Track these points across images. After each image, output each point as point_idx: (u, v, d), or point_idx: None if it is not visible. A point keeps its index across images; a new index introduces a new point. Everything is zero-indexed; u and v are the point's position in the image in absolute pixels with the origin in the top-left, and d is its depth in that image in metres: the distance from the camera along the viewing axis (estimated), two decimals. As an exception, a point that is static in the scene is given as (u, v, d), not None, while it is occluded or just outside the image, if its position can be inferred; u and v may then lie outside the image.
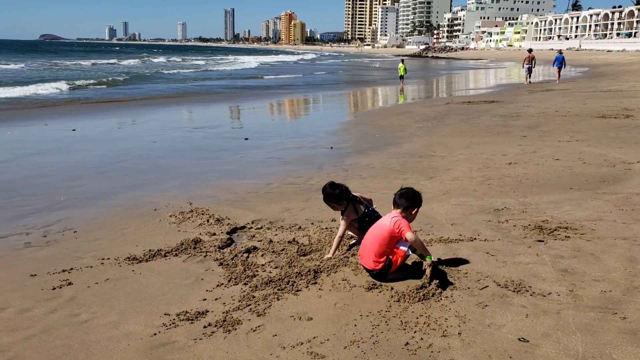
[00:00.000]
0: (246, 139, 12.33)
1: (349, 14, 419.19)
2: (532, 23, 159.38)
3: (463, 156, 9.81)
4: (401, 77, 30.13)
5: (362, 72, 54.66)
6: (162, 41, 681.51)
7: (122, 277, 4.71)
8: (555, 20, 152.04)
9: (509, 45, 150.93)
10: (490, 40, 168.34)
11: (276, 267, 4.81)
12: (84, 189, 7.91)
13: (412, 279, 4.47)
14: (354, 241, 5.31)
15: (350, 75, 47.36)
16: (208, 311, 4.01)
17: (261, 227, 6.00)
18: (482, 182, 7.84)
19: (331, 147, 11.13)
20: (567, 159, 9.23)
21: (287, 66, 63.43)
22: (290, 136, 13.10)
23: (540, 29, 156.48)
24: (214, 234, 5.76)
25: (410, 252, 4.52)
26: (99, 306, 4.14)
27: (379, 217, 4.99)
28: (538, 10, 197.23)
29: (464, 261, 4.82)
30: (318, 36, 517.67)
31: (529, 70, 30.17)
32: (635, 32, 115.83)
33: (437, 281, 4.32)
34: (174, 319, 3.89)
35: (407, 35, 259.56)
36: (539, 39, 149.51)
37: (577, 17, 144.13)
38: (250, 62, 68.58)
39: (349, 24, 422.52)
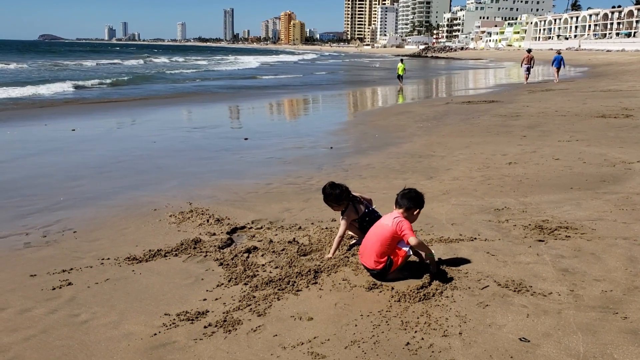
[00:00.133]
0: (246, 139, 12.32)
1: (348, 14, 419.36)
2: (531, 23, 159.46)
3: (463, 156, 9.80)
4: (400, 76, 30.11)
5: (362, 72, 54.65)
6: (161, 41, 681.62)
7: (122, 277, 4.70)
8: (555, 20, 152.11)
9: (509, 45, 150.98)
10: (490, 40, 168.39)
11: (276, 267, 4.80)
12: (83, 189, 7.90)
13: (413, 278, 4.46)
14: (354, 241, 5.30)
15: (350, 75, 47.36)
16: (208, 311, 4.00)
17: (261, 227, 5.99)
18: (482, 181, 7.83)
19: (331, 147, 11.12)
20: (567, 158, 9.23)
21: (287, 66, 63.60)
22: (290, 136, 13.09)
23: (540, 29, 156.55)
24: (214, 234, 5.75)
25: (411, 253, 4.53)
26: (99, 306, 4.14)
27: (379, 217, 4.98)
28: (537, 10, 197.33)
29: (465, 261, 4.81)
30: (317, 36, 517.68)
31: (528, 70, 30.24)
32: (635, 32, 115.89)
33: (438, 282, 4.32)
34: (174, 319, 3.88)
35: (406, 35, 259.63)
36: (539, 39, 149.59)
37: (577, 17, 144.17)
38: (252, 62, 68.81)
39: (348, 24, 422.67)
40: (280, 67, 59.39)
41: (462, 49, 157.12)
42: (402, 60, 32.17)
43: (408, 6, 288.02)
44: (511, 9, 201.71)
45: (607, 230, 5.53)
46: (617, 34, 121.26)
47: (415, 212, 4.60)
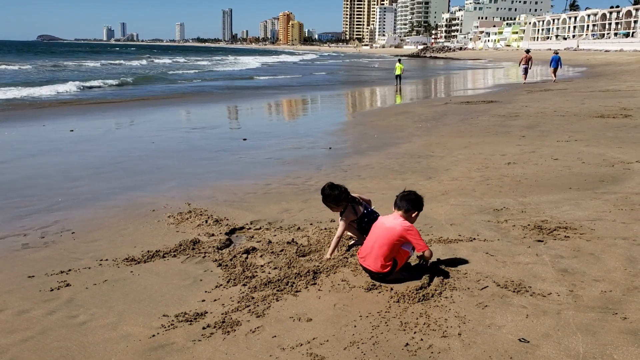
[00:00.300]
0: (245, 139, 12.31)
1: (347, 14, 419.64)
2: (530, 23, 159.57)
3: (462, 156, 9.80)
4: (398, 76, 30.09)
5: (361, 72, 54.64)
6: (160, 42, 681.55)
7: (121, 278, 4.68)
8: (553, 20, 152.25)
9: (507, 45, 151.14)
10: (488, 41, 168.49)
11: (275, 268, 4.79)
12: (82, 189, 7.88)
13: (412, 279, 4.46)
14: (353, 242, 5.30)
15: (350, 76, 47.35)
16: (207, 312, 3.99)
17: (260, 228, 5.98)
18: (481, 182, 7.83)
19: (330, 148, 11.11)
20: (566, 158, 9.23)
21: (288, 67, 64.01)
22: (289, 136, 13.08)
23: (538, 29, 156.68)
24: (213, 235, 5.74)
25: (412, 252, 4.53)
26: (97, 307, 4.12)
27: (375, 219, 4.98)
28: (536, 10, 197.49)
29: (464, 261, 4.81)
30: (316, 36, 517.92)
31: (525, 71, 30.35)
32: (633, 32, 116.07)
33: (437, 282, 4.32)
34: (172, 321, 3.87)
35: (405, 36, 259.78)
36: (537, 39, 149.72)
37: (575, 17, 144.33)
38: (253, 63, 69.48)
39: (347, 24, 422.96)
40: (281, 68, 59.73)
41: (460, 49, 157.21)
42: (399, 60, 32.18)
43: (406, 6, 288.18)
44: (509, 9, 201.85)
45: (606, 231, 5.53)
46: (616, 34, 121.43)
47: (414, 215, 4.61)
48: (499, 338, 3.53)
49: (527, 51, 31.55)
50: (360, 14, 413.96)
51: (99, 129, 14.51)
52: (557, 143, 10.82)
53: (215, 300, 4.20)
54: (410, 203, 4.58)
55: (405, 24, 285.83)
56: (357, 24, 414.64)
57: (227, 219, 6.26)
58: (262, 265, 4.86)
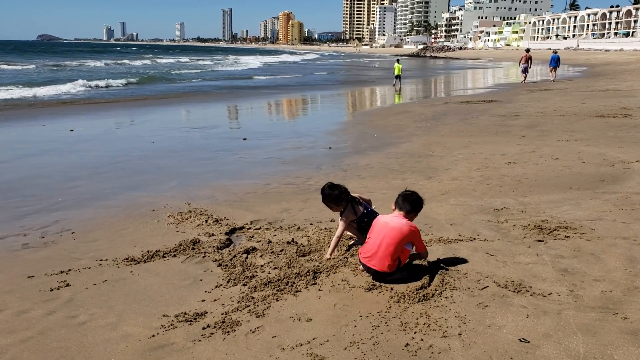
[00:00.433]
0: (245, 139, 12.31)
1: (347, 14, 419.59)
2: (530, 23, 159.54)
3: (462, 156, 9.79)
4: (397, 77, 30.09)
5: (362, 72, 54.63)
6: (160, 41, 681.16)
7: (120, 278, 4.68)
8: (553, 19, 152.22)
9: (507, 45, 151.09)
10: (488, 40, 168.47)
11: (275, 268, 4.78)
12: (82, 189, 7.88)
13: (412, 279, 4.45)
14: (352, 242, 5.29)
15: (350, 75, 47.34)
16: (207, 312, 3.99)
17: (260, 228, 5.97)
18: (481, 181, 7.82)
19: (330, 147, 11.11)
20: (566, 158, 9.23)
21: (290, 66, 64.39)
22: (289, 136, 13.08)
23: (538, 29, 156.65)
24: (213, 235, 5.73)
25: (412, 251, 4.57)
26: (97, 308, 4.12)
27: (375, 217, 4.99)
28: (536, 9, 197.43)
29: (464, 261, 4.80)
30: (316, 36, 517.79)
31: (526, 70, 30.40)
32: (633, 32, 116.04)
33: (438, 282, 4.32)
34: (172, 321, 3.87)
35: (405, 35, 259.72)
36: (537, 39, 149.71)
37: (575, 17, 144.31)
38: (255, 62, 70.02)
39: (347, 24, 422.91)
40: (283, 67, 60.06)
41: (460, 48, 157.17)
42: (398, 60, 32.23)
43: (406, 6, 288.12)
44: (509, 8, 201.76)
45: (607, 230, 5.53)
46: (616, 34, 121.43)
47: (414, 216, 4.66)
48: (500, 338, 3.53)
49: (527, 50, 31.56)
50: (360, 14, 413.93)
51: (98, 128, 14.51)
52: (557, 143, 10.82)
53: (215, 300, 4.20)
54: (412, 205, 4.62)
55: (405, 24, 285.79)
56: (357, 24, 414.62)
57: (227, 219, 6.26)
58: (262, 265, 4.86)
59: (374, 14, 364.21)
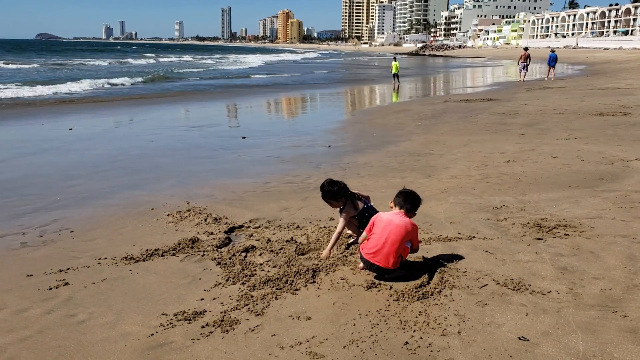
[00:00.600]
0: (244, 137, 12.30)
1: (346, 12, 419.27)
2: (529, 21, 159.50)
3: (461, 154, 9.79)
4: (395, 75, 30.08)
5: (362, 70, 54.57)
6: (159, 40, 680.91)
7: (119, 277, 4.67)
8: (552, 18, 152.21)
9: (506, 44, 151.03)
10: (488, 38, 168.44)
11: (274, 267, 4.78)
12: (80, 188, 7.87)
13: (411, 277, 4.45)
14: (352, 240, 5.28)
15: (351, 74, 47.27)
16: (206, 311, 3.98)
17: (259, 226, 5.96)
18: (481, 180, 7.82)
19: (329, 146, 11.10)
20: (565, 156, 9.22)
21: (291, 65, 64.72)
22: (288, 135, 13.07)
23: (537, 27, 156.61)
24: (212, 233, 5.73)
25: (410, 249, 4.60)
26: (96, 306, 4.11)
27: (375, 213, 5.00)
28: (535, 8, 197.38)
29: (463, 259, 4.80)
30: (315, 34, 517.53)
31: (525, 68, 30.56)
32: (632, 30, 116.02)
33: (437, 280, 4.32)
34: (171, 319, 3.86)
35: (404, 34, 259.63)
36: (536, 37, 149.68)
37: (574, 15, 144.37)
38: (256, 61, 70.48)
39: (346, 22, 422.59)
40: (284, 66, 60.42)
41: (459, 47, 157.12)
42: (395, 58, 32.26)
43: (406, 4, 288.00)
44: (509, 7, 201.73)
45: (606, 228, 5.52)
46: (615, 32, 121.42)
47: (413, 214, 4.70)
48: (499, 336, 3.52)
49: (526, 49, 31.66)
50: (360, 12, 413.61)
51: (98, 127, 14.49)
52: (556, 141, 10.81)
53: (214, 298, 4.19)
54: (413, 204, 4.66)
55: (404, 22, 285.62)
56: (356, 22, 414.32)
57: (226, 218, 6.25)
58: (261, 264, 4.85)
59: (373, 12, 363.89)
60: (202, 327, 3.75)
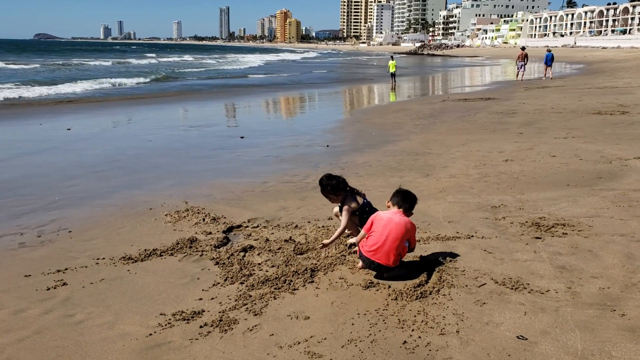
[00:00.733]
0: (242, 137, 12.29)
1: (344, 12, 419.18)
2: (527, 20, 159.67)
3: (459, 153, 9.79)
4: (393, 74, 30.08)
5: (361, 70, 54.53)
6: (157, 40, 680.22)
7: (118, 277, 4.67)
8: (550, 17, 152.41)
9: (505, 43, 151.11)
10: (486, 38, 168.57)
11: (273, 266, 4.77)
12: (78, 188, 7.86)
13: (410, 277, 4.45)
14: (351, 239, 5.27)
15: (350, 74, 47.25)
16: (204, 311, 3.98)
17: (257, 226, 5.96)
18: (479, 179, 7.82)
19: (327, 145, 11.10)
20: (563, 155, 9.23)
21: (291, 64, 65.09)
22: (287, 134, 13.06)
23: (536, 26, 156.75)
24: (210, 233, 5.72)
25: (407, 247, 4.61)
26: (94, 306, 4.10)
27: (375, 209, 5.02)
28: (533, 7, 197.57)
29: (461, 259, 4.80)
30: (313, 34, 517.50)
31: (523, 68, 30.72)
32: (630, 29, 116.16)
33: (435, 280, 4.32)
34: (169, 319, 3.85)
35: (402, 33, 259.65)
36: (534, 36, 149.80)
37: (572, 14, 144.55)
38: (256, 61, 70.94)
39: (344, 22, 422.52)
40: (284, 66, 60.68)
41: (458, 46, 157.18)
42: (392, 57, 32.30)
43: (404, 4, 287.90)
44: (507, 6, 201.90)
45: (604, 227, 5.53)
46: (613, 31, 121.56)
47: (410, 214, 4.72)
48: (497, 335, 3.52)
49: (523, 48, 31.81)
50: (358, 12, 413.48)
51: (96, 127, 14.47)
52: (554, 140, 10.82)
53: (212, 298, 4.19)
54: (411, 203, 4.70)
55: (402, 22, 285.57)
56: (354, 22, 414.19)
57: (225, 217, 6.25)
58: (259, 264, 4.85)
59: (371, 11, 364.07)
60: (201, 327, 3.75)
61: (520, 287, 4.19)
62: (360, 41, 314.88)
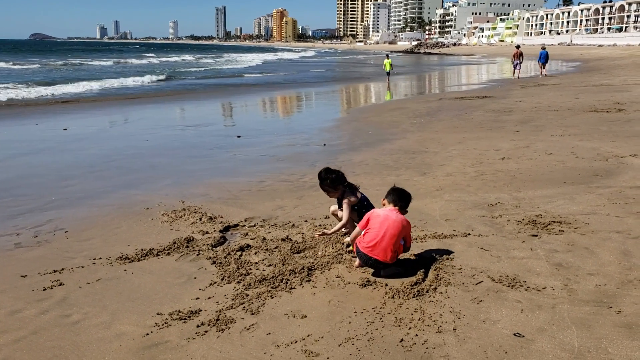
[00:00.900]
0: (239, 136, 12.28)
1: (340, 11, 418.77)
2: (523, 18, 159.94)
3: (456, 152, 9.80)
4: (388, 73, 30.10)
5: (359, 68, 54.53)
6: (153, 39, 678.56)
7: (114, 276, 4.66)
8: (547, 15, 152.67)
9: (501, 41, 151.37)
10: (482, 36, 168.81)
11: (270, 265, 4.77)
12: (75, 188, 7.84)
13: (407, 274, 4.45)
14: (347, 238, 5.27)
15: (348, 72, 47.28)
16: (201, 310, 3.97)
17: (254, 225, 5.96)
18: (476, 177, 7.83)
19: (324, 144, 11.10)
20: (560, 153, 9.24)
21: (289, 63, 65.15)
22: (283, 133, 13.05)
23: (532, 24, 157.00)
24: (207, 233, 5.71)
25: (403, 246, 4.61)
26: (91, 306, 4.09)
27: (373, 205, 5.05)
28: (529, 5, 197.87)
29: (458, 256, 4.80)
30: (310, 33, 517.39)
31: (518, 66, 30.85)
32: (626, 27, 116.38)
33: (432, 278, 4.32)
34: (166, 319, 3.85)
35: (399, 32, 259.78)
36: (531, 34, 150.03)
37: (568, 12, 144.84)
38: (254, 60, 70.98)
39: (340, 21, 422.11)
40: (283, 65, 60.78)
41: (454, 44, 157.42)
42: (387, 56, 32.38)
43: (400, 2, 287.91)
44: (503, 4, 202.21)
45: (601, 224, 5.54)
46: (609, 29, 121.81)
47: (405, 212, 4.73)
48: (494, 333, 3.53)
49: (517, 47, 31.90)
50: (354, 11, 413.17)
51: (92, 127, 14.44)
52: (551, 138, 10.84)
53: (209, 298, 4.18)
54: (405, 201, 4.71)
55: (399, 20, 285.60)
56: (351, 21, 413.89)
57: (221, 217, 6.24)
58: (256, 263, 4.85)
59: (367, 10, 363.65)
60: (198, 326, 3.74)
61: (516, 284, 4.20)
62: (357, 40, 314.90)
